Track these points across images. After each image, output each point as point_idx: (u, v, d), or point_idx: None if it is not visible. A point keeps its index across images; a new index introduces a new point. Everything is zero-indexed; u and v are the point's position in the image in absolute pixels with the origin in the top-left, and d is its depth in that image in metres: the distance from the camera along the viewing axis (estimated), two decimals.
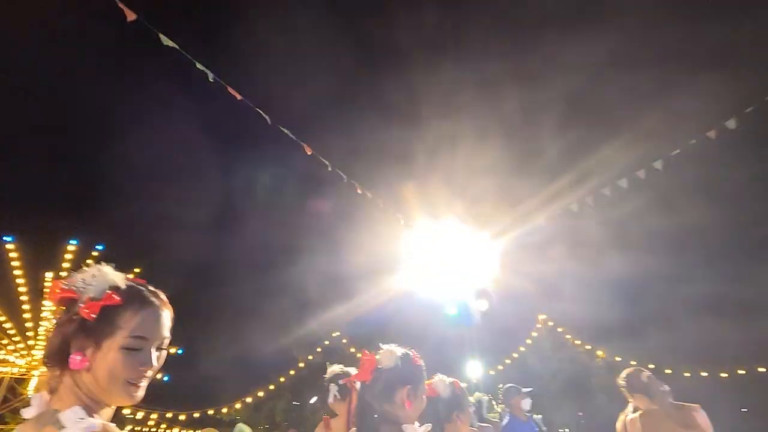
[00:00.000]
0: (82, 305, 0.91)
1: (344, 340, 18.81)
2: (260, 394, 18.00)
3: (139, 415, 16.13)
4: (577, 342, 17.56)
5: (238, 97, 3.97)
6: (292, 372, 18.27)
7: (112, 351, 0.90)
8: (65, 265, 15.87)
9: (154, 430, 17.41)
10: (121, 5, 2.90)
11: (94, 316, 0.91)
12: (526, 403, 3.80)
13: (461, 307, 8.94)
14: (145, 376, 0.94)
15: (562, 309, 17.26)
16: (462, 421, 2.02)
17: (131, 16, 3.08)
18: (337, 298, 17.87)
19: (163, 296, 1.02)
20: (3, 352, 15.07)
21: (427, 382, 2.02)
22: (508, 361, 17.10)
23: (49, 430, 0.82)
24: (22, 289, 15.44)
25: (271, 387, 18.14)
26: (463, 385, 2.20)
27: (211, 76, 3.46)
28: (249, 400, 17.94)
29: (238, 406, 17.97)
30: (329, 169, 5.08)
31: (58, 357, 0.91)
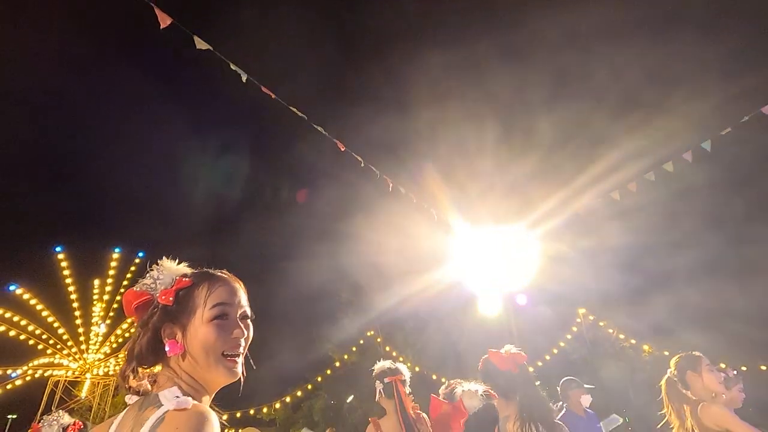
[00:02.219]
0: (158, 296, 0.96)
1: (378, 339, 18.82)
2: (298, 393, 18.25)
3: None
4: (621, 336, 16.86)
5: (272, 96, 3.97)
6: (328, 371, 18.43)
7: (201, 326, 0.93)
8: (111, 272, 16.66)
9: None
10: (157, 10, 2.94)
11: (171, 298, 0.95)
12: (586, 399, 3.64)
13: (499, 301, 8.71)
14: (238, 345, 0.96)
15: (604, 302, 16.64)
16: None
17: (165, 20, 3.12)
18: (371, 297, 17.89)
19: (229, 274, 1.05)
20: (58, 356, 15.95)
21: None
22: (547, 357, 16.61)
23: (149, 411, 0.84)
24: (72, 297, 16.30)
25: (309, 386, 18.35)
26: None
27: (244, 77, 3.47)
28: (287, 399, 18.22)
29: (277, 405, 18.29)
30: (362, 165, 5.03)
31: (152, 353, 0.94)
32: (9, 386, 14.66)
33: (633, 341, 16.65)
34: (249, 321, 1.03)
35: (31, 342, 15.44)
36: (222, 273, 1.04)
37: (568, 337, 17.30)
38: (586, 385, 3.76)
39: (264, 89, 3.75)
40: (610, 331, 17.05)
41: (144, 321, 0.97)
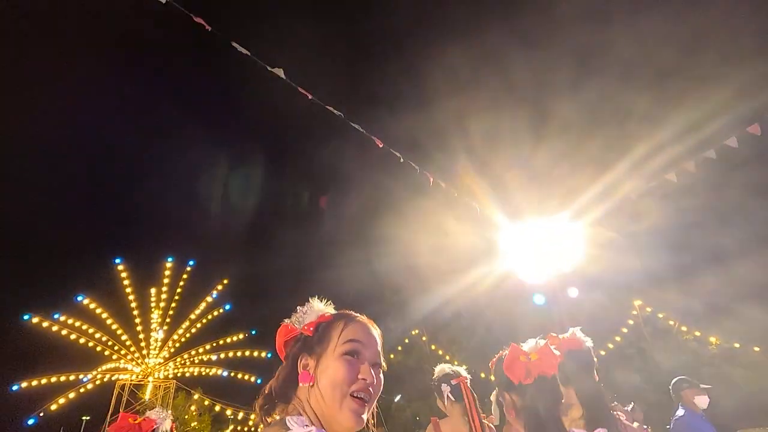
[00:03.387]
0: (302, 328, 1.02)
1: (424, 338, 18.71)
2: None
3: (240, 415, 17.36)
4: (683, 328, 15.80)
5: (309, 96, 4.00)
6: None
7: (332, 360, 0.94)
8: (165, 281, 17.61)
9: (254, 429, 18.60)
10: (198, 19, 3.02)
11: (311, 329, 1.00)
12: (702, 401, 3.44)
13: (548, 295, 8.39)
14: (367, 389, 0.94)
15: (662, 293, 15.65)
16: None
17: (205, 27, 3.20)
18: (414, 296, 17.79)
19: (368, 318, 1.08)
20: (122, 361, 17.02)
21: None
22: (602, 353, 15.83)
23: (273, 429, 0.87)
24: (133, 305, 17.36)
25: None
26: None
27: (281, 73, 3.51)
28: None
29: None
30: (401, 161, 4.97)
31: (288, 384, 0.97)
32: (81, 390, 15.83)
33: (697, 333, 15.55)
34: (380, 370, 1.01)
35: (98, 348, 16.60)
36: (360, 316, 1.07)
37: (624, 330, 16.42)
38: (702, 386, 3.58)
39: (301, 90, 3.78)
40: (671, 323, 16.02)
41: (287, 353, 1.02)
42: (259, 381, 18.89)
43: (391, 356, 18.61)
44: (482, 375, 15.51)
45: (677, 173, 7.68)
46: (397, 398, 18.42)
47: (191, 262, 18.54)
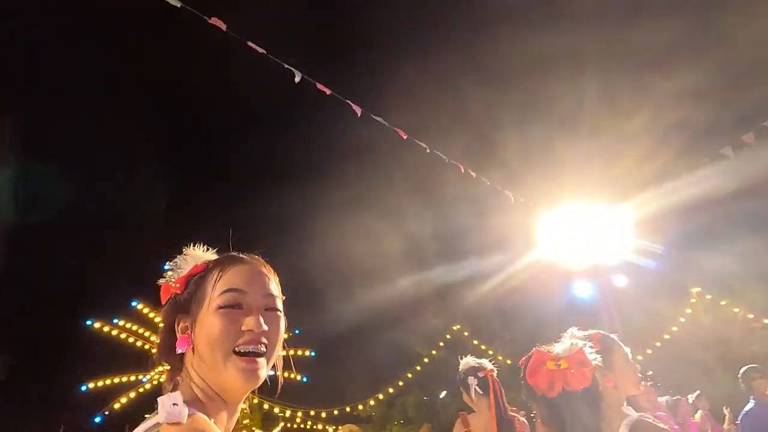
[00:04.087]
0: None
1: (465, 333, 18.42)
2: (390, 390, 18.51)
3: (288, 413, 17.79)
4: (750, 316, 14.58)
5: (327, 92, 3.97)
6: (417, 368, 18.46)
7: (207, 317, 0.79)
8: None
9: (302, 426, 19.04)
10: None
11: (178, 285, 0.84)
12: None
13: (594, 284, 7.98)
14: (256, 341, 0.79)
15: (722, 278, 14.53)
16: (611, 380, 1.63)
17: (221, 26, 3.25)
18: (454, 290, 17.55)
19: (257, 257, 0.89)
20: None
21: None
22: (658, 344, 14.91)
23: (150, 418, 0.76)
24: None
25: (400, 383, 18.53)
26: None
27: (298, 76, 3.49)
28: (380, 396, 18.57)
29: (372, 403, 18.72)
30: (428, 151, 4.85)
31: (170, 351, 0.83)
32: (141, 390, 16.77)
33: (766, 321, 14.31)
34: (278, 314, 0.86)
35: (153, 350, 17.52)
36: (246, 255, 0.88)
37: (682, 320, 15.38)
38: None
39: (319, 86, 3.76)
40: (736, 310, 14.83)
41: (162, 314, 0.88)
42: (305, 379, 19.31)
43: (434, 352, 18.45)
44: None
45: (734, 147, 7.07)
46: (443, 395, 18.25)
47: None
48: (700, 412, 5.25)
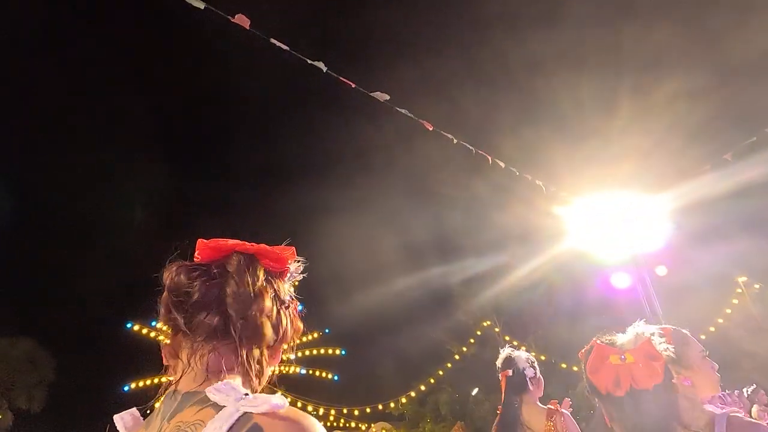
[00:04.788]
0: None
1: (497, 329, 18.09)
2: (422, 388, 18.40)
3: (321, 411, 17.97)
4: None
5: (352, 85, 3.92)
6: (449, 365, 18.27)
7: None
8: None
9: (336, 424, 19.20)
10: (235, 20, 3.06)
11: None
12: None
13: (632, 275, 7.63)
14: None
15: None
16: (688, 379, 1.39)
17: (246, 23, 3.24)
18: (483, 285, 17.24)
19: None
20: None
21: None
22: (703, 337, 14.19)
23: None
24: None
25: (432, 381, 18.39)
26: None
27: (324, 69, 3.46)
28: (412, 394, 18.48)
29: (403, 400, 18.68)
30: (455, 141, 4.73)
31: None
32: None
33: None
34: None
35: None
36: None
37: (728, 311, 14.58)
38: None
39: (342, 79, 3.71)
40: None
41: None
42: (336, 378, 19.44)
43: (464, 349, 18.21)
44: (563, 365, 14.64)
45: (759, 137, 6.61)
46: (475, 392, 18.00)
47: None
48: (755, 407, 4.93)
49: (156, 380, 17.22)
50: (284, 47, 3.33)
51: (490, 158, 5.08)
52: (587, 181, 7.60)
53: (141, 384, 17.13)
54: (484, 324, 18.33)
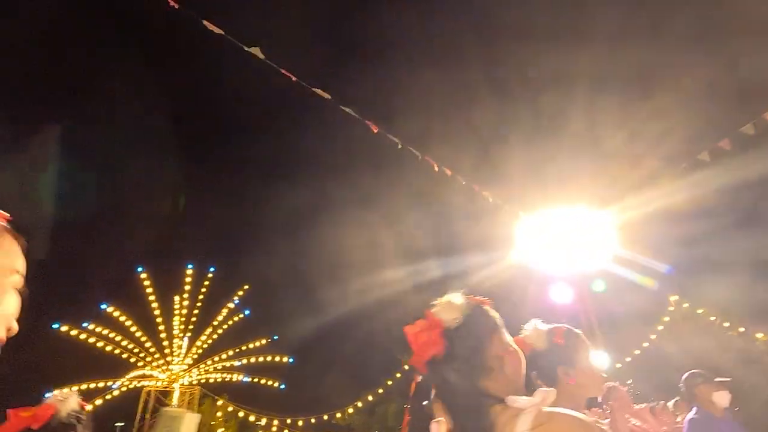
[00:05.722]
0: None
1: None
2: (370, 398, 18.15)
3: (263, 421, 17.29)
4: (726, 324, 14.73)
5: (293, 78, 3.75)
6: (398, 375, 18.15)
7: None
8: (186, 287, 17.82)
9: None
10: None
11: None
12: (722, 398, 2.84)
13: (572, 289, 7.84)
14: None
15: (700, 287, 14.67)
16: (573, 379, 1.42)
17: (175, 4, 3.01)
18: (434, 291, 17.30)
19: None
20: (148, 368, 17.27)
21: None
22: (637, 352, 14.95)
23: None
24: (156, 312, 17.65)
25: (380, 391, 18.19)
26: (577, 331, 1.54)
27: (260, 53, 3.27)
28: (359, 404, 18.19)
29: (350, 411, 18.33)
30: (399, 147, 4.65)
31: None
32: (109, 396, 16.14)
33: (741, 329, 14.47)
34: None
35: (124, 356, 16.90)
36: None
37: (660, 328, 15.47)
38: (718, 379, 2.96)
39: (283, 71, 3.55)
40: (712, 318, 14.98)
41: None
42: (282, 387, 18.82)
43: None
44: None
45: (711, 153, 7.06)
46: (425, 403, 17.99)
47: (212, 269, 18.71)
48: (679, 418, 5.10)
49: (83, 387, 15.91)
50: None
51: (436, 166, 5.05)
52: (534, 195, 7.78)
53: (66, 391, 15.77)
54: None
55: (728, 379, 2.96)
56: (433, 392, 1.16)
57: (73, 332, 16.11)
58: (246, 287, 18.77)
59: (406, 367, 18.04)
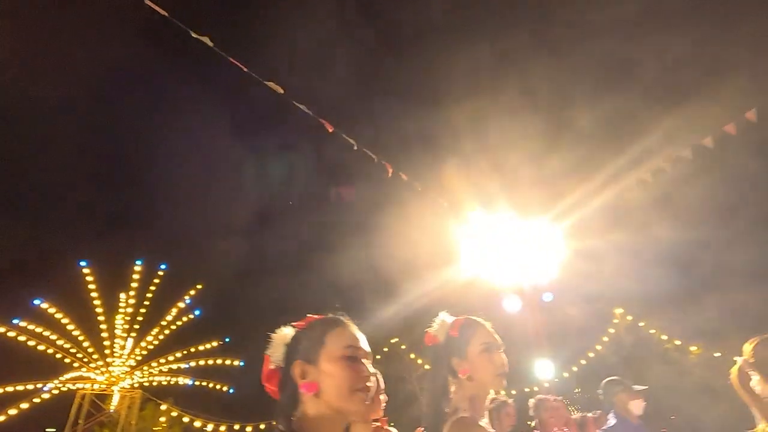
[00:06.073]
0: None
1: (403, 346, 18.21)
2: None
3: (209, 426, 16.56)
4: (664, 337, 15.58)
5: (244, 69, 3.60)
6: None
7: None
8: (133, 284, 16.85)
9: None
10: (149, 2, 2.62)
11: None
12: (637, 406, 2.91)
13: (522, 299, 8.01)
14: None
15: (644, 300, 15.45)
16: (466, 370, 1.38)
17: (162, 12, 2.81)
18: (389, 299, 17.30)
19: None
20: (84, 369, 16.15)
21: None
22: (583, 362, 15.53)
23: None
24: (98, 310, 16.57)
25: None
26: (487, 324, 1.48)
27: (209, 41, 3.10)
28: None
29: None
30: (355, 148, 4.57)
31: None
32: (37, 400, 14.91)
33: (678, 342, 15.35)
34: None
35: (58, 356, 15.73)
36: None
37: (605, 339, 16.15)
38: (635, 387, 3.02)
39: (232, 60, 3.38)
40: (652, 331, 15.80)
41: None
42: (231, 391, 18.15)
43: None
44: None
45: (653, 173, 7.44)
46: None
47: (163, 266, 17.84)
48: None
49: (8, 389, 14.64)
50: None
51: (390, 169, 5.00)
52: (487, 204, 7.91)
53: None
54: (392, 341, 18.36)
55: (645, 387, 3.05)
56: None
57: (1, 329, 14.86)
58: (199, 286, 18.04)
59: None
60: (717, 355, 14.04)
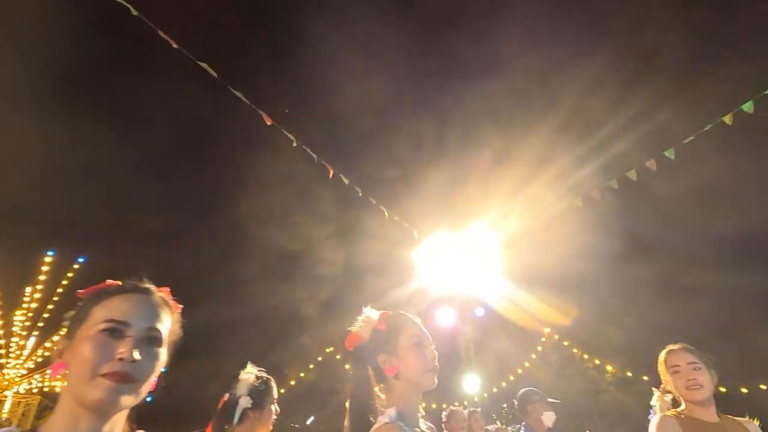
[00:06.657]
0: None
1: (338, 356, 17.85)
2: None
3: None
4: (585, 356, 16.53)
5: (173, 45, 3.29)
6: (282, 390, 17.26)
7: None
8: (42, 277, 15.11)
9: None
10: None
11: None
12: (549, 417, 2.92)
13: (457, 314, 8.11)
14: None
15: (571, 321, 16.32)
16: (395, 367, 1.24)
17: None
18: (329, 309, 16.98)
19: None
20: None
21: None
22: (511, 377, 16.05)
23: None
24: None
25: None
26: (416, 320, 1.36)
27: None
28: None
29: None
30: (294, 144, 4.36)
31: None
32: None
33: (597, 361, 16.35)
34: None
35: None
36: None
37: (533, 356, 16.86)
38: (549, 399, 3.05)
39: (172, 40, 3.08)
40: (575, 351, 16.72)
41: None
42: (149, 399, 16.75)
43: (302, 375, 17.51)
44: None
45: (584, 201, 7.86)
46: (310, 421, 17.29)
47: (80, 259, 16.21)
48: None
49: None
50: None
51: (331, 170, 4.84)
52: (428, 216, 7.98)
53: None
54: (327, 350, 17.95)
55: (558, 401, 3.10)
56: None
57: None
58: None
59: (292, 382, 17.25)
60: (629, 374, 15.06)
